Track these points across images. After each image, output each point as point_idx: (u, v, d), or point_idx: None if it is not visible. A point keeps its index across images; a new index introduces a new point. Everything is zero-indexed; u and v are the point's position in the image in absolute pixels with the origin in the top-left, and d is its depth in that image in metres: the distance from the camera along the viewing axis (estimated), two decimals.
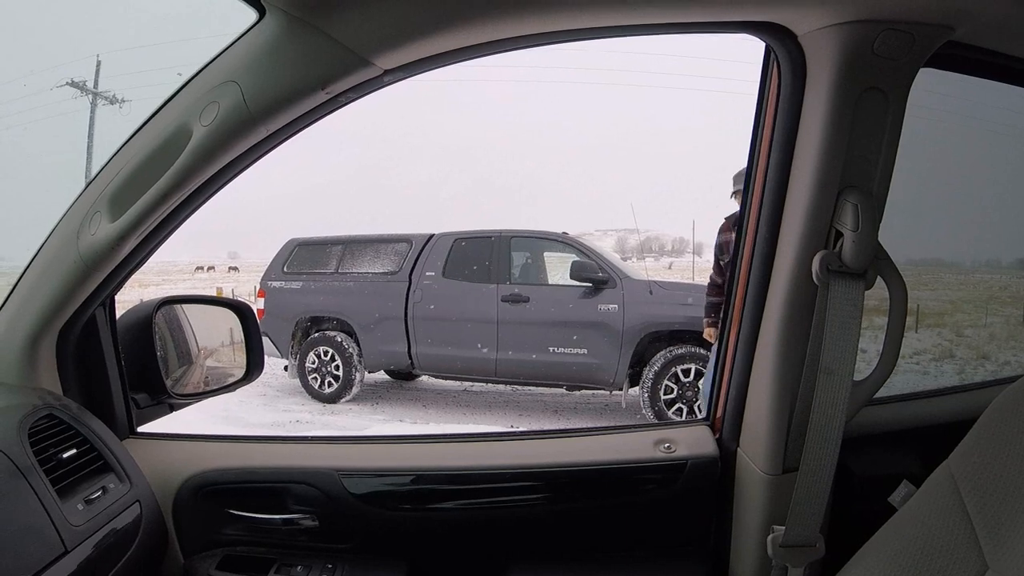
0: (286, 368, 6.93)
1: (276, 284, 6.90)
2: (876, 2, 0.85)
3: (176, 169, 0.92)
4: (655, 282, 5.90)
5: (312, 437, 1.30)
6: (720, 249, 3.72)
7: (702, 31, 0.93)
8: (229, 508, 1.15)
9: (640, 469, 1.17)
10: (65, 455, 0.95)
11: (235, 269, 35.52)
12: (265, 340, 6.92)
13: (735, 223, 3.29)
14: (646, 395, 5.56)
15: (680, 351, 5.49)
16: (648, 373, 5.55)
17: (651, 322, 5.59)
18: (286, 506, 1.15)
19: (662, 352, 5.56)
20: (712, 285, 3.86)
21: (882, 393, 1.13)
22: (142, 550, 1.02)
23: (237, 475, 1.16)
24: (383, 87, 0.92)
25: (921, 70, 0.94)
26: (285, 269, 6.93)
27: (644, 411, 5.56)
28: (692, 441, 1.20)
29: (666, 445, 1.18)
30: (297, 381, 6.79)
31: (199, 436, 1.24)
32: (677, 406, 5.48)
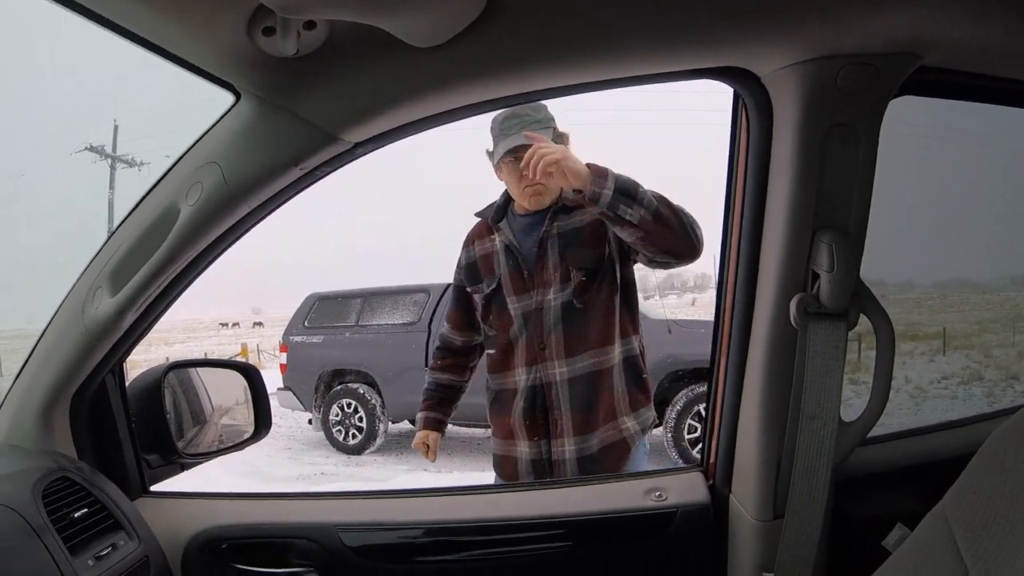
0: (310, 421, 6.98)
1: (298, 339, 7.01)
2: (833, 38, 0.83)
3: (167, 247, 0.97)
4: (674, 321, 5.84)
5: (314, 493, 1.33)
6: (465, 274, 1.83)
7: (668, 80, 0.94)
8: (235, 563, 1.17)
9: (630, 519, 1.15)
10: (77, 514, 0.99)
11: (260, 324, 36.10)
12: (289, 394, 6.98)
13: (497, 216, 1.75)
14: (669, 435, 5.46)
15: (701, 389, 5.38)
16: (671, 413, 5.46)
17: (671, 362, 5.51)
18: (288, 561, 1.16)
19: (683, 391, 5.49)
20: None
21: (882, 431, 1.09)
22: None
23: (242, 531, 1.18)
24: (355, 159, 0.96)
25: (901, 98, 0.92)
26: (306, 323, 7.04)
27: (668, 451, 5.44)
28: (684, 488, 1.18)
29: (657, 493, 1.16)
30: (322, 434, 6.82)
31: (207, 494, 1.27)
32: (701, 446, 5.33)
